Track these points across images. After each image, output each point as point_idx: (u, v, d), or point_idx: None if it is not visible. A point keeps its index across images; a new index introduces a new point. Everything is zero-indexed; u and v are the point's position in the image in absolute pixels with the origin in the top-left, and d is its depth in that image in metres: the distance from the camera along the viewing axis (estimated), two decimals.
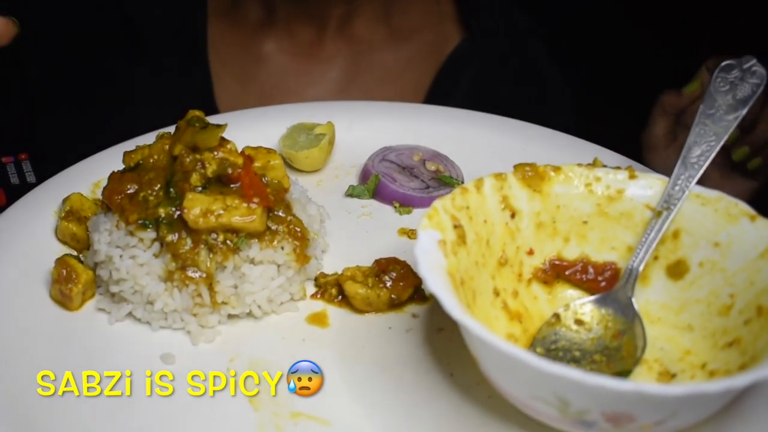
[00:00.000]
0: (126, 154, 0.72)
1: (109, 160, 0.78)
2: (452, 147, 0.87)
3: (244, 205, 0.66)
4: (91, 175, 0.80)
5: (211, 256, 0.65)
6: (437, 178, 0.82)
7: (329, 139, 0.86)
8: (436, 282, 0.54)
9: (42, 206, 0.76)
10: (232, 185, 0.67)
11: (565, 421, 0.52)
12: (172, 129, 0.72)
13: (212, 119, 0.76)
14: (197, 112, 0.70)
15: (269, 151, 0.71)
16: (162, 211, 0.66)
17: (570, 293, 0.66)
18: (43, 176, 0.86)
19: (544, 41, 1.25)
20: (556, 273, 0.67)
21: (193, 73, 0.87)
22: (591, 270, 0.67)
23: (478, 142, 0.87)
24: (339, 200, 0.81)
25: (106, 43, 1.08)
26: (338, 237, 0.75)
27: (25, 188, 0.85)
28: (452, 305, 0.52)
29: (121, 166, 0.72)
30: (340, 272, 0.70)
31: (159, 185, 0.67)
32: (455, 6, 1.21)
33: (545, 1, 1.33)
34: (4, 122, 1.06)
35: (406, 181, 0.82)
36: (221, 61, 1.09)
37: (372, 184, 0.82)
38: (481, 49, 1.12)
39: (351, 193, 0.82)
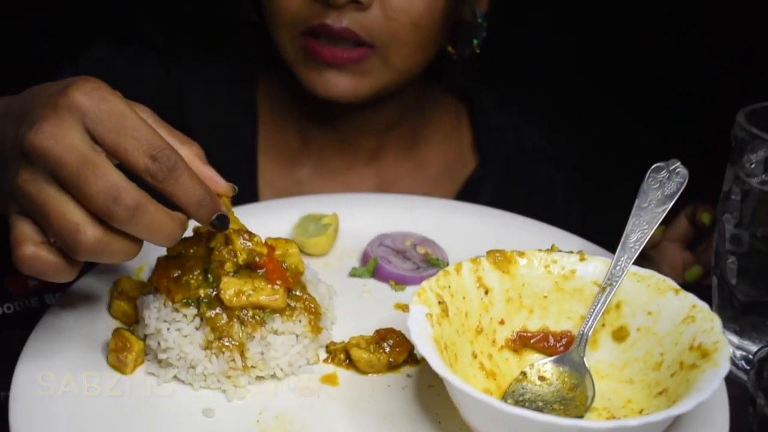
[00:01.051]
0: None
1: (151, 248, 0.94)
2: (439, 233, 1.01)
3: (269, 286, 0.81)
4: (135, 261, 0.95)
5: (242, 328, 0.79)
6: (426, 260, 0.97)
7: (334, 227, 1.01)
8: (424, 347, 0.69)
9: (96, 288, 0.90)
10: (258, 270, 0.82)
11: None
12: None
13: (237, 209, 0.93)
14: None
15: (287, 241, 0.86)
16: (202, 292, 0.81)
17: (535, 356, 0.81)
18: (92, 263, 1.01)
19: (553, 163, 1.39)
20: (522, 342, 0.81)
21: (241, 187, 1.04)
22: (551, 338, 0.81)
23: (461, 228, 1.02)
24: (344, 280, 0.95)
25: None
26: (344, 311, 0.89)
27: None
28: (438, 365, 0.67)
29: (159, 253, 0.87)
30: (347, 340, 0.83)
31: (198, 271, 0.82)
32: (472, 133, 1.34)
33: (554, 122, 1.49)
34: None
35: (400, 263, 0.97)
36: (266, 182, 1.24)
37: (371, 266, 0.97)
38: (494, 173, 1.26)
39: (354, 273, 0.97)
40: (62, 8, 1.54)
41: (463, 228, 1.02)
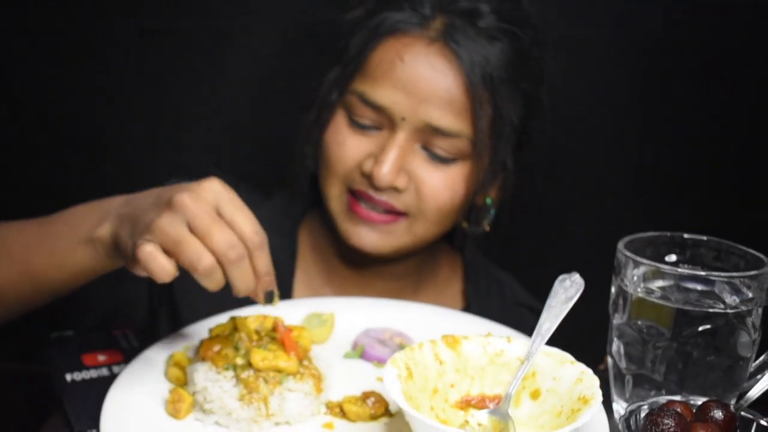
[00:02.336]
0: (210, 329, 1.19)
1: (195, 331, 1.26)
2: (410, 327, 1.33)
3: (286, 355, 1.13)
4: (184, 341, 1.26)
5: (266, 386, 1.10)
6: (401, 347, 1.29)
7: (331, 323, 1.33)
8: (396, 395, 1.00)
9: (154, 359, 1.19)
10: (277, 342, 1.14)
11: None
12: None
13: (256, 309, 1.26)
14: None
15: (302, 328, 1.18)
16: (238, 360, 1.12)
17: (477, 412, 1.12)
18: (143, 342, 1.32)
19: (527, 309, 1.64)
20: (467, 404, 1.12)
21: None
22: (487, 400, 1.12)
23: (426, 323, 1.33)
24: (340, 360, 1.26)
25: None
26: (340, 380, 1.18)
27: (132, 350, 1.26)
28: (405, 405, 0.98)
29: (199, 337, 1.19)
30: (341, 399, 1.13)
31: (232, 346, 1.14)
32: (462, 282, 1.64)
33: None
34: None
35: (381, 349, 1.28)
36: None
37: (360, 350, 1.28)
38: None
39: (347, 356, 1.28)
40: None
41: (428, 323, 1.34)
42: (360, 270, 1.57)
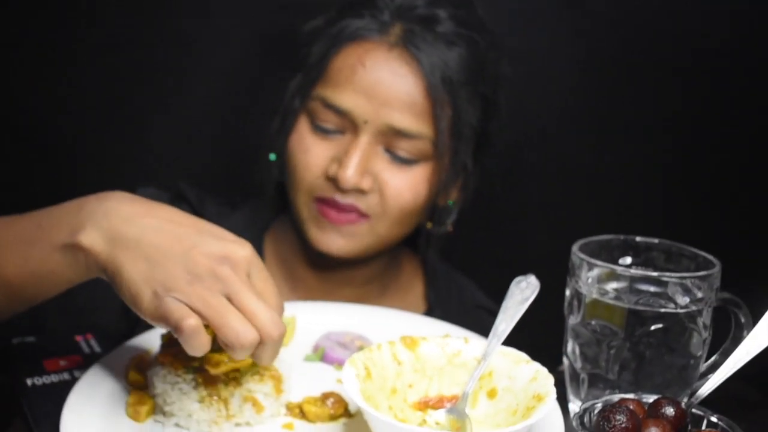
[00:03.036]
0: (162, 335, 1.19)
1: (156, 335, 1.26)
2: (370, 330, 1.35)
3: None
4: (145, 345, 1.26)
5: (226, 387, 1.11)
6: (361, 349, 1.31)
7: (293, 326, 1.34)
8: (354, 394, 1.01)
9: (115, 364, 1.20)
10: None
11: None
12: None
13: None
14: None
15: None
16: (196, 364, 1.13)
17: (434, 411, 1.14)
18: (105, 347, 1.32)
19: (486, 312, 1.66)
20: (425, 405, 1.14)
21: None
22: (445, 401, 1.14)
23: (386, 326, 1.35)
24: (300, 362, 1.27)
25: None
26: (300, 382, 1.20)
27: (93, 356, 1.26)
28: (363, 404, 0.99)
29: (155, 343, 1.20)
30: (300, 400, 1.15)
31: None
32: (424, 286, 1.67)
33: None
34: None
35: (341, 352, 1.29)
36: None
37: (320, 353, 1.29)
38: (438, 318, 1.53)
39: (307, 358, 1.29)
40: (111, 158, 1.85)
41: (389, 326, 1.35)
42: (325, 277, 1.60)
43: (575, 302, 1.18)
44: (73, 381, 1.19)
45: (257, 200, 1.65)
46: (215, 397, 1.09)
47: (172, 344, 1.15)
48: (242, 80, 1.88)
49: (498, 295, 1.73)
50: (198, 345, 0.94)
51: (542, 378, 1.06)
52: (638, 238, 1.23)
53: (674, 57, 1.89)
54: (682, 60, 1.89)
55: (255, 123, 1.57)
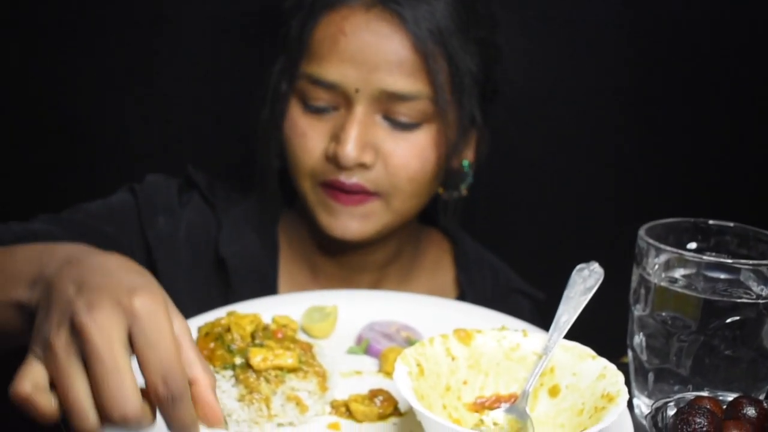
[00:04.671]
0: (199, 328, 1.12)
1: (191, 328, 1.18)
2: (417, 320, 1.27)
3: (286, 353, 1.06)
4: None
5: (268, 385, 1.04)
6: (407, 341, 1.23)
7: (334, 316, 1.26)
8: (407, 393, 0.93)
9: None
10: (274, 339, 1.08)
11: None
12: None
13: (253, 303, 1.19)
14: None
15: (291, 320, 1.13)
16: (236, 360, 1.05)
17: (492, 412, 1.05)
18: None
19: (522, 295, 1.59)
20: (481, 405, 1.06)
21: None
22: (502, 401, 1.06)
23: (434, 316, 1.27)
24: (343, 356, 1.20)
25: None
26: (344, 378, 1.14)
27: None
28: (416, 404, 0.91)
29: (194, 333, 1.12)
30: (347, 398, 1.08)
31: (228, 345, 1.07)
32: (454, 268, 1.58)
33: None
34: None
35: (387, 344, 1.22)
36: None
37: (364, 345, 1.22)
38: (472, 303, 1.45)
39: (350, 351, 1.22)
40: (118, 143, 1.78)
41: (435, 317, 1.27)
42: (343, 262, 1.52)
43: (642, 291, 1.09)
44: None
45: (262, 192, 1.57)
46: (256, 396, 1.02)
47: (209, 337, 1.08)
48: (232, 64, 1.78)
49: (532, 279, 1.66)
50: (30, 411, 0.76)
51: (611, 375, 0.97)
52: (710, 222, 1.13)
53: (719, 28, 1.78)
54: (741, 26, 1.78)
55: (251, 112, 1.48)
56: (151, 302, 0.76)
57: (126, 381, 0.73)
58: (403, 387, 0.94)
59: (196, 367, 0.80)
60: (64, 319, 0.76)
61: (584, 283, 1.09)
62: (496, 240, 1.71)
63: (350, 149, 1.32)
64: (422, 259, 1.60)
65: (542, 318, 1.52)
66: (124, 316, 0.75)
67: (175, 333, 0.77)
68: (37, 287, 0.84)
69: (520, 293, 1.61)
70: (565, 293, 1.08)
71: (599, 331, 1.14)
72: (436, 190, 1.47)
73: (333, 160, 1.35)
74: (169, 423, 0.77)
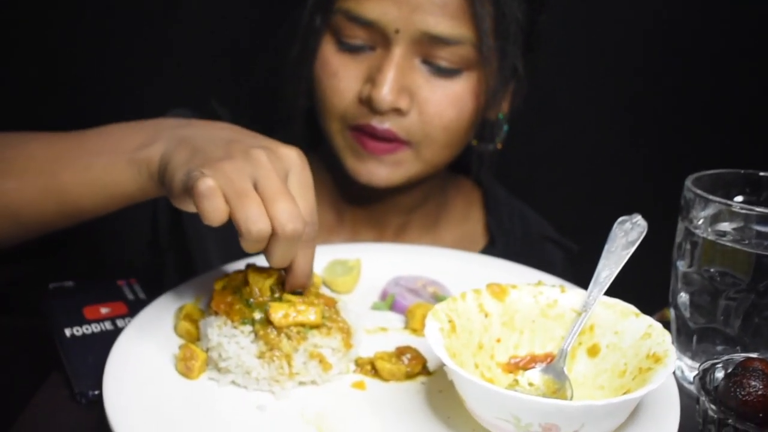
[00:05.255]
0: (216, 281, 1.06)
1: (209, 281, 1.13)
2: (444, 275, 1.20)
3: (309, 308, 1.00)
4: (194, 292, 1.14)
5: (289, 342, 0.98)
6: (435, 296, 1.16)
7: (358, 270, 1.20)
8: (439, 350, 0.87)
9: (161, 315, 1.07)
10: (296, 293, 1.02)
11: None
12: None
13: None
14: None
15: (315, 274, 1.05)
16: (256, 315, 1.00)
17: (526, 372, 0.99)
18: (150, 295, 1.20)
19: (554, 245, 1.55)
20: (515, 366, 1.00)
21: None
22: (536, 360, 1.00)
23: (462, 271, 1.20)
24: (367, 312, 1.14)
25: None
26: (368, 334, 1.09)
27: (138, 302, 1.15)
28: (450, 362, 0.85)
29: (209, 287, 1.06)
30: (372, 355, 1.03)
31: (247, 299, 1.01)
32: (483, 215, 1.53)
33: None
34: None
35: (413, 299, 1.16)
36: None
37: (389, 301, 1.15)
38: (501, 252, 1.42)
39: (375, 307, 1.16)
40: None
41: (464, 271, 1.21)
42: (370, 206, 1.47)
43: (687, 245, 1.02)
44: (116, 331, 1.07)
45: (289, 131, 1.49)
46: (276, 353, 0.96)
47: (227, 290, 1.02)
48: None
49: (566, 233, 1.59)
50: (211, 209, 0.86)
51: (657, 335, 0.91)
52: (761, 173, 1.06)
53: None
54: None
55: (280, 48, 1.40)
56: (299, 153, 0.98)
57: (294, 202, 0.89)
58: (434, 344, 0.88)
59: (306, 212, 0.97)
60: (234, 151, 0.91)
61: (626, 237, 1.02)
62: (529, 194, 1.64)
63: (386, 93, 1.24)
64: (451, 205, 1.53)
65: (575, 270, 1.46)
66: (284, 163, 0.94)
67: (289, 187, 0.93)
68: (157, 144, 0.98)
69: (553, 242, 1.55)
70: (606, 247, 1.02)
71: (636, 288, 1.07)
72: (470, 141, 1.40)
73: (366, 103, 1.27)
74: (304, 257, 0.96)
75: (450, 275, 1.20)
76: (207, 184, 0.85)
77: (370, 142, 1.29)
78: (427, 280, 1.19)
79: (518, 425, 0.82)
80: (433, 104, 1.27)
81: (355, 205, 1.47)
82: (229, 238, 1.37)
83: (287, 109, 1.41)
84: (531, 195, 1.65)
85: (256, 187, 0.88)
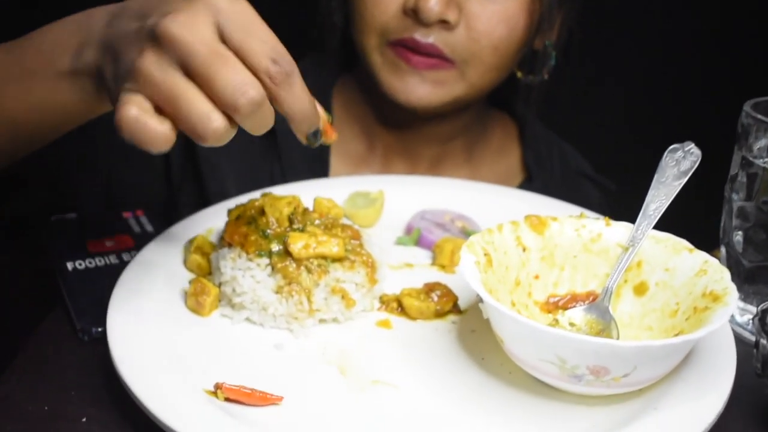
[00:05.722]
0: (229, 211, 0.98)
1: (221, 211, 1.04)
2: (473, 210, 1.12)
3: (331, 240, 0.92)
4: (205, 223, 1.06)
5: (309, 276, 0.90)
6: (464, 232, 1.08)
7: (381, 202, 1.12)
8: (476, 284, 0.79)
9: (169, 247, 1.01)
10: (317, 222, 0.94)
11: (562, 377, 0.76)
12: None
13: (288, 187, 1.05)
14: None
15: (335, 204, 0.98)
16: (273, 247, 0.92)
17: (567, 312, 0.92)
18: (158, 228, 1.12)
19: (593, 183, 1.47)
20: (554, 306, 0.92)
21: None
22: (577, 299, 0.92)
23: (493, 206, 1.11)
24: (390, 247, 1.06)
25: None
26: (393, 270, 1.01)
27: (145, 235, 1.07)
28: (488, 296, 0.78)
29: (222, 217, 0.98)
30: (398, 292, 0.94)
31: (263, 229, 0.93)
32: (520, 150, 1.45)
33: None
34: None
35: (440, 234, 1.08)
36: None
37: (415, 236, 1.07)
38: (539, 188, 1.33)
39: (399, 242, 1.08)
40: None
41: (495, 206, 1.12)
42: (404, 133, 1.37)
43: (743, 177, 0.93)
44: (121, 265, 0.99)
45: (321, 53, 1.40)
46: (295, 288, 0.89)
47: (242, 220, 0.94)
48: None
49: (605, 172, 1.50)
50: (149, 139, 0.69)
51: (714, 271, 0.83)
52: None
53: None
54: None
55: None
56: None
57: (237, 65, 0.68)
58: (471, 278, 0.80)
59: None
60: (143, 41, 0.69)
61: (677, 167, 0.93)
62: (567, 131, 1.54)
63: (434, 2, 1.14)
64: (488, 139, 1.44)
65: (612, 211, 1.38)
66: (207, 11, 0.69)
67: None
68: (89, 49, 0.78)
69: (591, 181, 1.46)
70: (656, 177, 0.93)
71: (682, 228, 0.99)
72: (514, 68, 1.30)
73: (410, 14, 1.17)
74: (288, 106, 0.73)
75: (478, 210, 1.12)
76: (127, 114, 0.68)
77: (413, 56, 1.19)
78: (455, 214, 1.11)
79: (563, 367, 0.75)
80: (484, 20, 1.17)
81: (387, 133, 1.37)
82: (246, 160, 1.29)
83: (321, 25, 1.31)
84: (569, 132, 1.56)
85: (187, 73, 0.69)
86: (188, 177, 1.33)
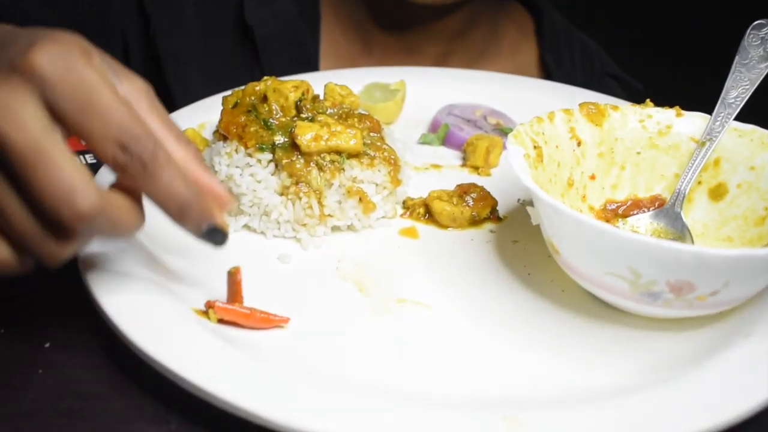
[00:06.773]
0: (224, 98, 0.82)
1: (214, 104, 0.89)
2: (507, 104, 0.96)
3: (346, 130, 0.77)
4: (197, 117, 0.90)
5: (320, 174, 0.76)
6: (499, 129, 0.93)
7: (402, 94, 0.97)
8: (527, 180, 0.65)
9: None
10: (329, 111, 0.79)
11: (633, 296, 0.62)
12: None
13: (300, 76, 0.89)
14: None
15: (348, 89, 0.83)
16: (277, 139, 0.77)
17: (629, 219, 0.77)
18: None
19: (617, 82, 1.31)
20: (613, 213, 0.78)
21: None
22: (641, 206, 0.78)
23: (529, 100, 0.96)
24: (413, 146, 0.91)
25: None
26: (417, 172, 0.86)
27: None
28: (542, 193, 0.62)
29: (217, 109, 0.83)
30: (425, 196, 0.80)
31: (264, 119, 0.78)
32: (537, 48, 1.28)
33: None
34: None
35: (472, 131, 0.93)
36: None
37: (442, 133, 0.92)
38: None
39: (424, 141, 0.93)
40: None
41: (531, 100, 0.96)
42: (404, 32, 1.20)
43: None
44: (97, 165, 0.84)
45: None
46: (304, 189, 0.74)
47: (240, 108, 0.79)
48: None
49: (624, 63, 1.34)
50: None
51: None
52: None
53: None
54: None
55: None
56: (59, 51, 0.52)
57: (66, 168, 0.51)
58: (521, 172, 0.65)
59: (162, 133, 0.56)
60: None
61: (763, 47, 0.77)
62: (590, 26, 1.37)
63: None
64: (500, 36, 1.27)
65: None
66: (29, 86, 0.51)
67: (119, 94, 0.53)
68: None
69: (616, 79, 1.30)
70: (737, 59, 0.78)
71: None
72: None
73: None
74: (155, 200, 0.55)
75: (512, 104, 0.97)
76: None
77: None
78: (487, 109, 0.95)
79: (635, 283, 0.61)
80: None
81: (385, 32, 1.21)
82: (218, 66, 1.14)
83: None
84: (592, 26, 1.39)
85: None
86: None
